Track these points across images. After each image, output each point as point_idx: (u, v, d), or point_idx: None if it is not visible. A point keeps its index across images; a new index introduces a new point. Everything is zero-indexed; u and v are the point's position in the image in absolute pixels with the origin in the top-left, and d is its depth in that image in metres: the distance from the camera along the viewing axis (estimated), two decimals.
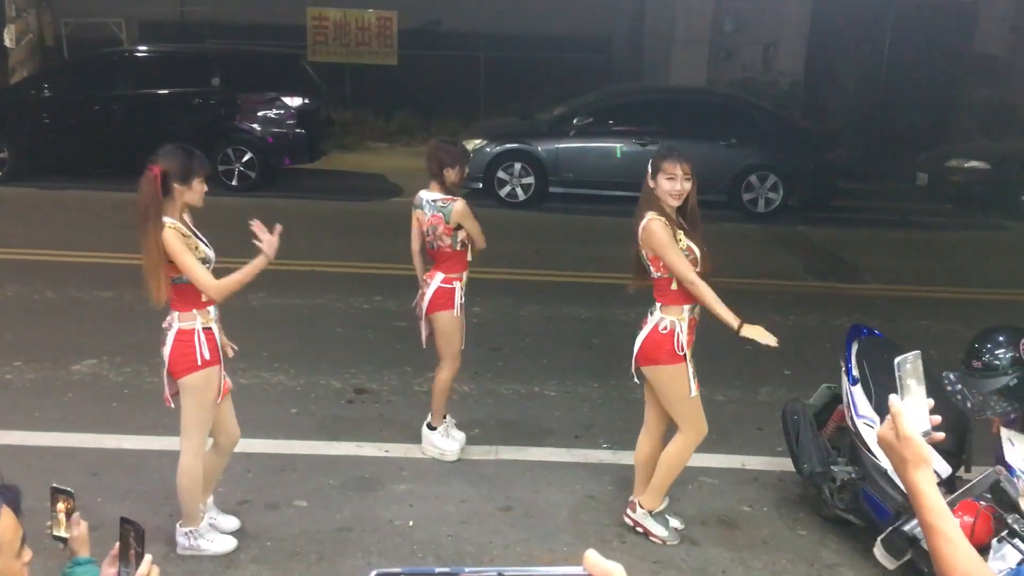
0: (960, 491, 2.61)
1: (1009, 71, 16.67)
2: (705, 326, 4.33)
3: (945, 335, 7.19)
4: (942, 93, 17.21)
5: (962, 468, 4.21)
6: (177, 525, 4.20)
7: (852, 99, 17.56)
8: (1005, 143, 14.28)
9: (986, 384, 3.49)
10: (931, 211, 13.11)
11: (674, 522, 4.55)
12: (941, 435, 1.70)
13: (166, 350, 3.94)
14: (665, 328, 4.19)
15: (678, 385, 4.24)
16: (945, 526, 1.58)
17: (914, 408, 1.68)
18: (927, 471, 1.63)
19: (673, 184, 4.11)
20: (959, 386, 3.49)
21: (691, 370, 4.23)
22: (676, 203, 4.15)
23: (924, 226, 12.13)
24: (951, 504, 3.69)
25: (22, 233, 9.49)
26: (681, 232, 4.17)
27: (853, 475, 4.37)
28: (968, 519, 3.51)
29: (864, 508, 4.28)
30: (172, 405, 4.11)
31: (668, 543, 4.46)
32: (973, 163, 13.14)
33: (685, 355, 4.20)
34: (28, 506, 2.19)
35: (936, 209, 13.27)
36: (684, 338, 4.19)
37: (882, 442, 1.69)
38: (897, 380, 1.72)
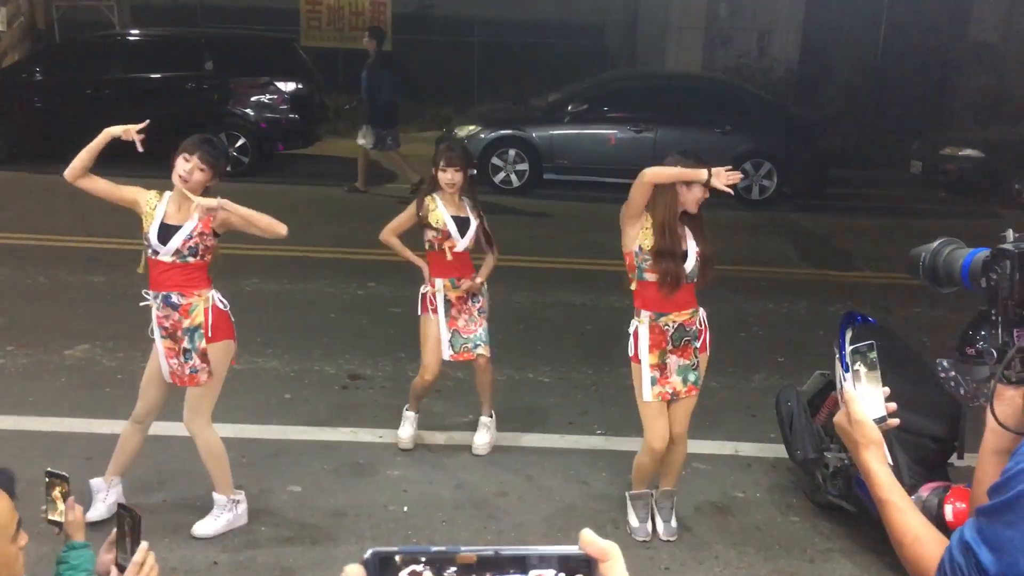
0: None
1: (1003, 59, 16.67)
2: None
3: (938, 322, 7.20)
4: (936, 81, 17.21)
5: (955, 455, 4.24)
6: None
7: (847, 86, 17.55)
8: (999, 131, 14.29)
9: (980, 371, 3.49)
10: (925, 199, 13.14)
11: (646, 527, 4.48)
12: (896, 421, 1.81)
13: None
14: (631, 327, 4.22)
15: (637, 383, 4.24)
16: (895, 498, 1.72)
17: (868, 395, 1.80)
18: (877, 452, 1.76)
19: (705, 193, 4.11)
20: (952, 373, 3.49)
21: (647, 377, 4.16)
22: (696, 209, 4.13)
23: (918, 214, 12.15)
24: (945, 490, 3.72)
25: (13, 217, 9.45)
26: (658, 242, 4.07)
27: (846, 461, 4.39)
28: (961, 505, 3.53)
29: (857, 494, 4.30)
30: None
31: (632, 534, 4.44)
32: (967, 151, 13.16)
33: (641, 359, 4.16)
34: (22, 491, 2.19)
35: (930, 197, 13.30)
36: (643, 342, 4.15)
37: (837, 427, 1.83)
38: (850, 369, 1.82)
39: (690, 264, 4.12)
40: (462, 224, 4.86)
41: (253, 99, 12.45)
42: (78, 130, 11.95)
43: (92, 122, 13.64)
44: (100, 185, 4.07)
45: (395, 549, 0.77)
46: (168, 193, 4.08)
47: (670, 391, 4.19)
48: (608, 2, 19.44)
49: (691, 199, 4.07)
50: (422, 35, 18.03)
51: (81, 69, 12.48)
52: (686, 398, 4.25)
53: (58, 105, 12.28)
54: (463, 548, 0.77)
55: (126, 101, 12.21)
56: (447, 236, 4.85)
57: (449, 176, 4.78)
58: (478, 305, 4.98)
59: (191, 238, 4.01)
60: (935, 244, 1.93)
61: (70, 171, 4.01)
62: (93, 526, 2.59)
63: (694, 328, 4.19)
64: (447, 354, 4.97)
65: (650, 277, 4.10)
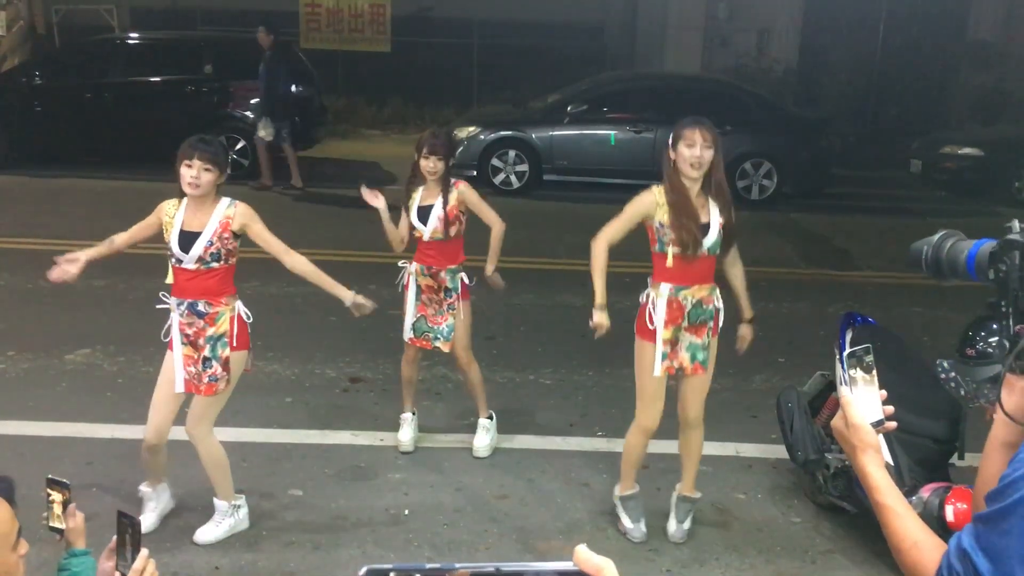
0: None
1: (1002, 57, 16.67)
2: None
3: (938, 322, 7.21)
4: (936, 80, 17.22)
5: (956, 456, 4.24)
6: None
7: (846, 86, 17.56)
8: (998, 129, 14.31)
9: (980, 372, 3.49)
10: (925, 198, 13.14)
11: (640, 527, 4.46)
12: (893, 424, 1.80)
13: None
14: (643, 299, 4.18)
15: (641, 360, 4.19)
16: (893, 502, 1.70)
17: (865, 399, 1.79)
18: (875, 456, 1.75)
19: (692, 151, 3.94)
20: (953, 374, 3.49)
21: (659, 351, 4.12)
22: (695, 173, 3.99)
23: (918, 213, 12.15)
24: (946, 491, 3.72)
25: (13, 221, 9.45)
26: (671, 208, 4.03)
27: (846, 462, 4.38)
28: (962, 506, 3.53)
29: (857, 495, 4.30)
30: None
31: (627, 535, 4.44)
32: (967, 150, 13.16)
33: (656, 332, 4.10)
34: (22, 497, 2.18)
35: (930, 196, 13.29)
36: (660, 315, 4.10)
37: (834, 431, 1.82)
38: (847, 373, 1.82)
39: (712, 237, 4.07)
40: (423, 212, 4.86)
41: (253, 102, 12.46)
42: (78, 134, 12.19)
43: (92, 126, 13.56)
44: (127, 238, 4.16)
45: (390, 567, 0.77)
46: (187, 200, 4.06)
47: (676, 366, 4.16)
48: (607, 3, 19.45)
49: (685, 164, 3.98)
50: (421, 37, 18.05)
51: (80, 73, 12.51)
52: (692, 376, 4.20)
53: (58, 109, 12.29)
54: (458, 565, 0.77)
55: (125, 105, 12.24)
56: (413, 227, 4.92)
57: (431, 164, 4.77)
58: (449, 300, 4.95)
59: (211, 244, 4.00)
60: (936, 237, 1.93)
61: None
62: (94, 533, 2.57)
63: (711, 307, 4.15)
64: (407, 336, 5.01)
65: (672, 250, 4.06)
